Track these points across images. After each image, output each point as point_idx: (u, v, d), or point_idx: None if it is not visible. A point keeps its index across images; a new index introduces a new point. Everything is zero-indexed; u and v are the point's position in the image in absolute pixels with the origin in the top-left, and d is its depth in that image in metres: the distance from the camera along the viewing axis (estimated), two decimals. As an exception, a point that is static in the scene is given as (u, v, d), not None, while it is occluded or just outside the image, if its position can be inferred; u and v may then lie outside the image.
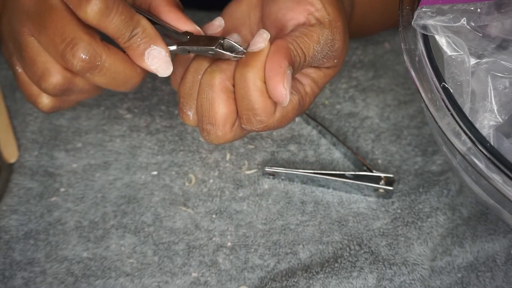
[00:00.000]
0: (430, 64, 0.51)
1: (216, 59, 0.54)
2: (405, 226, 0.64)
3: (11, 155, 0.68)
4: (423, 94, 0.50)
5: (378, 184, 0.65)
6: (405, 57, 0.52)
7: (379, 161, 0.68)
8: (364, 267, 0.61)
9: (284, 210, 0.65)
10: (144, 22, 0.51)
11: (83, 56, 0.49)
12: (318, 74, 0.56)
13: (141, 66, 0.51)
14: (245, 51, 0.52)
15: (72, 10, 0.49)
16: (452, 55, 0.52)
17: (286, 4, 0.55)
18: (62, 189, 0.66)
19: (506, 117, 0.52)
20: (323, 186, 0.66)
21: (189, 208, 0.65)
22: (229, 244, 0.63)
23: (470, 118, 0.49)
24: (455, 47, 0.52)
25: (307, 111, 0.70)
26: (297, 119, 0.71)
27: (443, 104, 0.49)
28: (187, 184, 0.67)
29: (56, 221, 0.64)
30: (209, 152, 0.68)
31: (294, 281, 0.61)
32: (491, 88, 0.53)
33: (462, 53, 0.52)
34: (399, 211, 0.65)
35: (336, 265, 0.61)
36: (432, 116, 0.49)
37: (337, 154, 0.69)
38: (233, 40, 0.53)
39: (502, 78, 0.53)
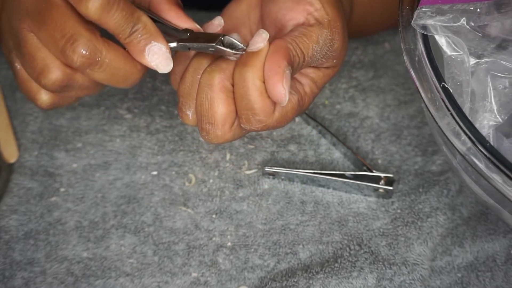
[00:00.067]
0: (430, 64, 0.51)
1: (216, 59, 0.54)
2: (405, 226, 0.64)
3: (11, 155, 0.68)
4: (423, 94, 0.50)
5: (378, 184, 0.65)
6: (405, 57, 0.52)
7: (379, 161, 0.68)
8: (364, 267, 0.61)
9: (284, 210, 0.65)
10: (145, 18, 0.51)
11: (83, 52, 0.49)
12: (317, 74, 0.56)
13: (141, 62, 0.51)
14: (245, 48, 0.52)
15: (72, 6, 0.49)
16: (452, 55, 0.52)
17: (286, 4, 0.55)
18: (62, 189, 0.66)
19: (506, 117, 0.52)
20: (323, 186, 0.66)
21: (189, 208, 0.65)
22: (229, 244, 0.63)
23: (470, 118, 0.49)
24: (454, 47, 0.52)
25: (307, 111, 0.70)
26: (297, 119, 0.71)
27: (443, 104, 0.49)
28: (187, 184, 0.67)
29: (56, 221, 0.64)
30: (209, 152, 0.68)
31: (294, 281, 0.61)
32: (491, 88, 0.52)
33: (461, 53, 0.52)
34: (399, 211, 0.65)
35: (336, 265, 0.61)
36: (432, 116, 0.49)
37: (337, 154, 0.69)
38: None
39: (502, 78, 0.53)
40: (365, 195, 0.66)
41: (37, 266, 0.62)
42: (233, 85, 0.52)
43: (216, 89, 0.52)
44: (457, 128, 0.48)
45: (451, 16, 0.51)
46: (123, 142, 0.69)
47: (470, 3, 0.51)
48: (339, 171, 0.67)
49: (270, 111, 0.52)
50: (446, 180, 0.66)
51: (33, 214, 0.65)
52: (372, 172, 0.66)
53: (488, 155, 0.47)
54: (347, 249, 0.63)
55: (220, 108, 0.52)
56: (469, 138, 0.48)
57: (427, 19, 0.51)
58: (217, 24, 0.55)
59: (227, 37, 0.52)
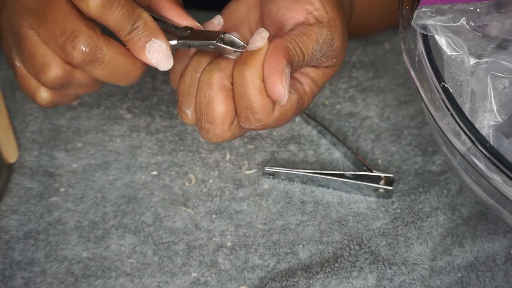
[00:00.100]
0: (430, 64, 0.51)
1: (215, 57, 0.54)
2: (405, 226, 0.64)
3: (11, 155, 0.68)
4: (423, 94, 0.50)
5: (378, 184, 0.65)
6: (405, 57, 0.52)
7: (379, 161, 0.68)
8: (364, 267, 0.61)
9: (284, 210, 0.65)
10: (145, 16, 0.51)
11: (84, 49, 0.49)
12: (317, 74, 0.56)
13: (142, 59, 0.51)
14: (245, 45, 0.52)
15: (72, 3, 0.49)
16: (452, 55, 0.52)
17: (285, 4, 0.55)
18: (62, 189, 0.66)
19: (506, 117, 0.52)
20: (323, 186, 0.66)
21: (189, 208, 0.65)
22: (229, 244, 0.63)
23: (469, 118, 0.49)
24: (454, 47, 0.52)
25: (307, 111, 0.70)
26: (297, 119, 0.71)
27: (443, 104, 0.49)
28: (187, 184, 0.67)
29: (56, 221, 0.64)
30: (209, 152, 0.68)
31: (294, 281, 0.61)
32: (491, 88, 0.52)
33: (461, 53, 0.52)
34: (399, 211, 0.65)
35: (336, 265, 0.61)
36: (432, 116, 0.49)
37: (337, 154, 0.69)
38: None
39: (502, 78, 0.53)
40: (365, 195, 0.66)
41: (37, 266, 0.62)
42: (232, 84, 0.52)
43: (216, 88, 0.52)
44: (457, 128, 0.48)
45: (451, 16, 0.51)
46: (123, 142, 0.69)
47: (470, 3, 0.51)
48: (339, 171, 0.67)
49: (269, 110, 0.52)
50: (446, 180, 0.66)
51: (33, 214, 0.65)
52: (372, 172, 0.66)
53: (488, 155, 0.47)
54: (347, 249, 0.63)
55: (219, 107, 0.52)
56: (469, 138, 0.48)
57: (427, 19, 0.51)
58: (216, 23, 0.55)
59: (227, 34, 0.52)
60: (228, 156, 0.68)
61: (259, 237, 0.64)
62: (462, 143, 0.48)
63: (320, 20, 0.54)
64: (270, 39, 0.52)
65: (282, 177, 0.67)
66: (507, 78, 0.53)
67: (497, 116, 0.52)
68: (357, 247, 0.63)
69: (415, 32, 0.52)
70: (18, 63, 0.54)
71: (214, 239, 0.63)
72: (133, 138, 0.69)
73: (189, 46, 0.53)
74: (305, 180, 0.66)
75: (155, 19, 0.52)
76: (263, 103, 0.51)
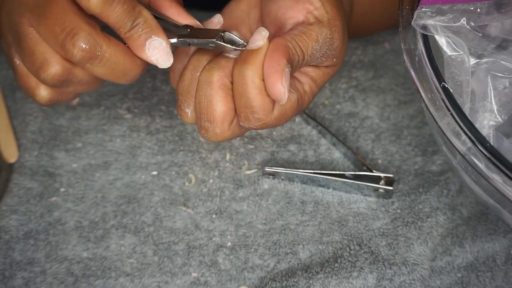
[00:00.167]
0: (430, 64, 0.51)
1: (215, 56, 0.54)
2: (405, 226, 0.64)
3: (11, 155, 0.68)
4: (423, 94, 0.50)
5: (378, 184, 0.65)
6: (405, 57, 0.52)
7: (379, 161, 0.68)
8: (364, 267, 0.61)
9: (284, 210, 0.65)
10: (146, 13, 0.51)
11: (84, 46, 0.49)
12: (317, 73, 0.56)
13: (142, 57, 0.51)
14: (246, 44, 0.52)
15: (72, 0, 0.49)
16: (452, 55, 0.52)
17: (286, 3, 0.55)
18: (62, 189, 0.66)
19: (506, 117, 0.52)
20: (323, 186, 0.66)
21: (189, 208, 0.65)
22: (229, 244, 0.63)
23: (470, 118, 0.49)
24: (455, 47, 0.52)
25: (307, 111, 0.70)
26: (297, 119, 0.71)
27: (443, 104, 0.49)
28: (187, 184, 0.67)
29: (56, 221, 0.64)
30: (209, 152, 0.68)
31: (294, 281, 0.61)
32: (491, 88, 0.52)
33: (462, 53, 0.52)
34: (399, 211, 0.65)
35: (336, 265, 0.61)
36: (432, 116, 0.49)
37: (337, 154, 0.69)
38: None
39: (502, 78, 0.53)
40: (365, 195, 0.66)
41: (37, 266, 0.62)
42: (232, 83, 0.52)
43: (215, 87, 0.52)
44: (457, 128, 0.48)
45: (451, 16, 0.51)
46: (123, 142, 0.69)
47: (470, 3, 0.51)
48: (339, 171, 0.67)
49: (269, 109, 0.52)
50: (446, 180, 0.66)
51: (33, 214, 0.65)
52: (372, 172, 0.66)
53: (488, 155, 0.47)
54: (347, 249, 0.63)
55: (219, 105, 0.52)
56: (469, 138, 0.48)
57: (427, 19, 0.51)
58: (216, 22, 0.55)
59: (227, 33, 0.52)
60: (228, 156, 0.68)
61: (259, 237, 0.64)
62: (462, 143, 0.48)
63: (320, 20, 0.54)
64: (270, 39, 0.52)
65: (282, 177, 0.67)
66: (507, 78, 0.53)
67: (497, 116, 0.52)
68: (357, 247, 0.63)
69: (415, 32, 0.52)
70: (17, 61, 0.54)
71: (214, 239, 0.63)
72: (133, 138, 0.69)
73: (189, 44, 0.53)
74: (305, 180, 0.66)
75: (155, 17, 0.52)
76: (263, 102, 0.51)
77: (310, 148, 0.69)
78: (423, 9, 0.51)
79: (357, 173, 0.65)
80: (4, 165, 0.67)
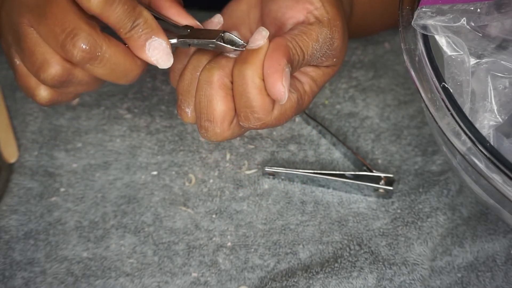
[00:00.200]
0: (430, 64, 0.51)
1: (215, 56, 0.54)
2: (405, 226, 0.64)
3: (11, 155, 0.68)
4: (423, 94, 0.50)
5: (378, 184, 0.65)
6: (405, 57, 0.52)
7: (379, 161, 0.68)
8: (364, 267, 0.61)
9: (284, 210, 0.65)
10: (146, 13, 0.51)
11: (84, 46, 0.49)
12: (317, 73, 0.56)
13: (142, 57, 0.51)
14: (245, 44, 0.52)
15: (72, 0, 0.49)
16: (452, 55, 0.52)
17: (286, 3, 0.55)
18: (62, 189, 0.66)
19: (506, 117, 0.52)
20: (323, 186, 0.66)
21: (189, 208, 0.65)
22: (229, 244, 0.63)
23: (470, 118, 0.49)
24: (455, 47, 0.52)
25: (307, 111, 0.70)
26: (297, 119, 0.71)
27: (443, 104, 0.49)
28: (187, 184, 0.67)
29: (56, 221, 0.64)
30: (209, 152, 0.68)
31: (294, 281, 0.61)
32: (491, 88, 0.52)
33: (462, 53, 0.52)
34: (399, 211, 0.65)
35: (336, 265, 0.61)
36: (432, 116, 0.49)
37: (337, 154, 0.69)
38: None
39: (502, 78, 0.53)
40: (365, 195, 0.66)
41: (37, 266, 0.62)
42: (232, 83, 0.52)
43: (215, 86, 0.52)
44: (457, 128, 0.48)
45: (451, 16, 0.51)
46: (123, 142, 0.69)
47: (470, 3, 0.51)
48: (339, 171, 0.67)
49: (269, 109, 0.52)
50: (446, 180, 0.66)
51: (33, 214, 0.65)
52: (372, 172, 0.66)
53: (488, 155, 0.47)
54: (347, 249, 0.63)
55: (219, 105, 0.52)
56: (469, 138, 0.48)
57: (427, 19, 0.51)
58: (216, 22, 0.55)
59: (227, 33, 0.52)
60: (228, 156, 0.68)
61: (259, 237, 0.64)
62: (462, 143, 0.48)
63: (320, 20, 0.54)
64: (270, 39, 0.52)
65: (282, 177, 0.67)
66: (507, 78, 0.53)
67: (497, 116, 0.52)
68: (357, 247, 0.63)
69: (415, 32, 0.52)
70: (17, 61, 0.54)
71: (214, 239, 0.63)
72: (133, 138, 0.69)
73: (189, 45, 0.53)
74: (305, 180, 0.66)
75: (155, 18, 0.52)
76: (263, 102, 0.51)
77: (310, 148, 0.69)
78: (423, 9, 0.51)
79: (357, 173, 0.65)
80: (4, 165, 0.67)
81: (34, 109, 0.70)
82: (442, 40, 0.52)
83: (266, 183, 0.67)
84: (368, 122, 0.70)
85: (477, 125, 0.51)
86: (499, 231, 0.63)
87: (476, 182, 0.51)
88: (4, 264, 0.62)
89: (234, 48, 0.52)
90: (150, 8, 0.54)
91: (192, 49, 0.55)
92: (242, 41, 0.52)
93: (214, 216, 0.65)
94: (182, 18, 0.54)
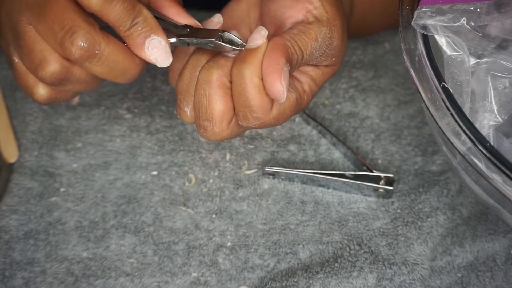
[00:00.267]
0: (430, 64, 0.51)
1: (214, 55, 0.54)
2: (405, 226, 0.64)
3: (11, 155, 0.68)
4: (423, 94, 0.50)
5: (378, 184, 0.65)
6: (405, 57, 0.52)
7: (379, 161, 0.68)
8: (364, 267, 0.61)
9: (284, 210, 0.65)
10: (146, 12, 0.51)
11: (82, 44, 0.49)
12: (317, 72, 0.56)
13: (141, 56, 0.51)
14: (245, 44, 0.52)
15: None
16: (452, 55, 0.52)
17: (285, 3, 0.55)
18: (62, 189, 0.66)
19: (506, 117, 0.52)
20: (323, 186, 0.66)
21: (189, 208, 0.65)
22: (229, 244, 0.63)
23: (470, 118, 0.49)
24: (455, 47, 0.52)
25: (307, 111, 0.70)
26: (297, 119, 0.71)
27: (443, 104, 0.49)
28: (187, 184, 0.67)
29: (56, 221, 0.64)
30: (209, 152, 0.68)
31: (294, 281, 0.61)
32: (491, 88, 0.52)
33: (462, 53, 0.52)
34: (399, 211, 0.65)
35: (336, 265, 0.61)
36: (432, 116, 0.49)
37: (337, 154, 0.69)
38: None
39: (502, 78, 0.53)
40: (365, 195, 0.66)
41: (37, 266, 0.62)
42: (231, 82, 0.52)
43: (214, 86, 0.52)
44: (457, 128, 0.48)
45: (451, 16, 0.51)
46: (123, 142, 0.69)
47: (470, 3, 0.51)
48: (339, 171, 0.67)
49: (267, 108, 0.52)
50: (446, 180, 0.66)
51: (33, 214, 0.65)
52: (372, 172, 0.66)
53: (488, 155, 0.47)
54: (347, 249, 0.63)
55: (218, 105, 0.52)
56: (469, 138, 0.48)
57: (427, 19, 0.51)
58: (216, 21, 0.55)
59: (226, 33, 0.52)
60: (228, 156, 0.68)
61: (259, 237, 0.64)
62: (462, 143, 0.48)
63: (319, 19, 0.54)
64: (270, 38, 0.52)
65: (282, 177, 0.67)
66: (507, 78, 0.53)
67: (497, 116, 0.52)
68: (357, 247, 0.63)
69: (415, 32, 0.52)
70: (16, 59, 0.54)
71: (214, 239, 0.63)
72: (133, 138, 0.69)
73: (188, 44, 0.53)
74: (305, 180, 0.66)
75: (155, 17, 0.52)
76: (262, 101, 0.51)
77: (310, 148, 0.69)
78: (423, 9, 0.51)
79: (357, 173, 0.65)
80: (4, 165, 0.67)
81: (34, 109, 0.70)
82: (442, 40, 0.52)
83: (266, 183, 0.67)
84: (368, 122, 0.70)
85: (477, 125, 0.51)
86: (499, 231, 0.63)
87: (476, 182, 0.51)
88: (4, 264, 0.62)
89: (233, 47, 0.52)
90: (150, 7, 0.54)
91: (192, 48, 0.55)
92: (241, 41, 0.52)
93: (214, 216, 0.65)
94: (182, 17, 0.54)
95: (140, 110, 0.71)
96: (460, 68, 0.52)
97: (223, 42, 0.52)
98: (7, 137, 0.69)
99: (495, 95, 0.52)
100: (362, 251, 0.62)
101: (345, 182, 0.65)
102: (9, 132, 0.69)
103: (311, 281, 0.60)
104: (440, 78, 0.50)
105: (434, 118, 0.49)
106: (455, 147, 0.48)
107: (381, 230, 0.64)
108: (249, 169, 0.68)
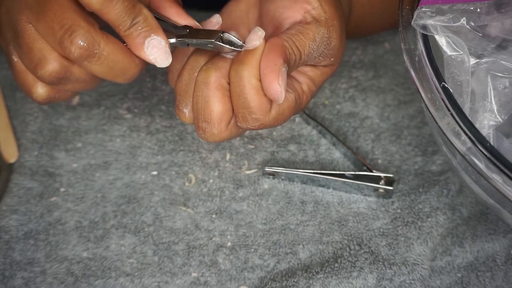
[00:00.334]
0: (430, 64, 0.51)
1: (213, 57, 0.54)
2: (405, 226, 0.64)
3: (11, 155, 0.68)
4: (423, 94, 0.50)
5: (378, 184, 0.65)
6: (405, 57, 0.52)
7: (379, 161, 0.68)
8: (364, 267, 0.61)
9: (284, 210, 0.65)
10: (146, 12, 0.51)
11: (81, 43, 0.49)
12: (315, 73, 0.56)
13: (140, 56, 0.51)
14: (244, 44, 0.52)
15: None
16: (452, 55, 0.52)
17: (284, 3, 0.55)
18: (62, 189, 0.66)
19: (506, 117, 0.52)
20: (323, 186, 0.66)
21: (189, 208, 0.65)
22: (229, 244, 0.63)
23: (470, 118, 0.49)
24: (455, 47, 0.52)
25: (306, 111, 0.70)
26: (297, 119, 0.71)
27: (443, 104, 0.49)
28: (187, 184, 0.67)
29: (56, 221, 0.64)
30: (209, 152, 0.68)
31: (294, 281, 0.61)
32: (491, 88, 0.52)
33: (462, 53, 0.52)
34: (399, 211, 0.65)
35: (336, 265, 0.61)
36: (432, 116, 0.49)
37: (337, 154, 0.69)
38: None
39: (502, 78, 0.53)
40: (365, 195, 0.66)
41: (37, 266, 0.62)
42: (229, 84, 0.52)
43: (212, 87, 0.52)
44: (457, 128, 0.48)
45: (451, 16, 0.51)
46: (123, 142, 0.69)
47: (470, 3, 0.51)
48: (339, 171, 0.67)
49: (266, 109, 0.52)
50: (446, 180, 0.66)
51: (33, 214, 0.65)
52: (372, 172, 0.65)
53: (488, 155, 0.47)
54: (347, 249, 0.63)
55: (216, 106, 0.52)
56: (469, 138, 0.48)
57: (427, 19, 0.51)
58: (215, 22, 0.55)
59: (226, 34, 0.52)
60: (228, 156, 0.68)
61: (259, 237, 0.64)
62: (462, 143, 0.48)
63: (317, 19, 0.54)
64: (268, 39, 0.52)
65: (282, 177, 0.67)
66: (507, 78, 0.53)
67: (497, 116, 0.52)
68: (357, 247, 0.63)
69: (415, 32, 0.52)
70: (15, 58, 0.54)
71: (214, 239, 0.63)
72: (133, 138, 0.69)
73: (188, 45, 0.53)
74: (305, 180, 0.66)
75: (155, 17, 0.52)
76: (260, 102, 0.51)
77: (310, 148, 0.69)
78: (423, 9, 0.51)
79: (357, 173, 0.65)
80: (4, 165, 0.67)
81: (34, 109, 0.70)
82: (442, 40, 0.52)
83: (266, 183, 0.67)
84: (368, 122, 0.70)
85: (477, 125, 0.51)
86: (499, 231, 0.63)
87: (476, 182, 0.51)
88: (4, 264, 0.62)
89: (232, 48, 0.52)
90: (150, 8, 0.54)
91: (191, 49, 0.55)
92: (241, 42, 0.52)
93: (214, 216, 0.65)
94: (181, 18, 0.54)
95: (140, 110, 0.71)
96: (460, 68, 0.52)
97: (222, 43, 0.52)
98: (7, 137, 0.69)
99: (495, 95, 0.52)
100: (362, 251, 0.62)
101: (345, 182, 0.65)
102: (9, 132, 0.69)
103: (311, 281, 0.60)
104: (440, 78, 0.50)
105: (434, 118, 0.49)
106: (455, 147, 0.48)
107: (381, 230, 0.64)
108: (249, 169, 0.68)
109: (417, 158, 0.68)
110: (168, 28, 0.53)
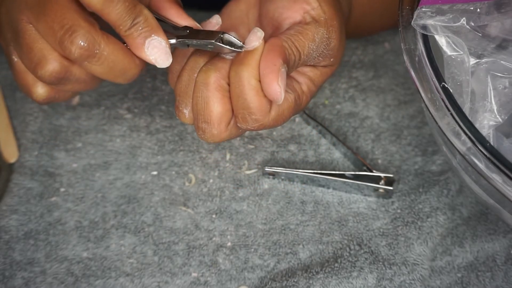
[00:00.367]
0: (430, 64, 0.51)
1: (212, 57, 0.54)
2: (405, 226, 0.64)
3: (11, 155, 0.68)
4: (423, 94, 0.50)
5: (378, 184, 0.65)
6: (405, 57, 0.52)
7: (379, 161, 0.68)
8: (364, 267, 0.61)
9: (284, 210, 0.65)
10: (146, 12, 0.50)
11: (82, 44, 0.49)
12: (315, 73, 0.56)
13: (140, 56, 0.51)
14: (244, 45, 0.52)
15: None
16: (452, 55, 0.52)
17: (283, 3, 0.55)
18: (62, 189, 0.66)
19: (506, 117, 0.52)
20: (323, 186, 0.66)
21: (189, 208, 0.65)
22: (229, 244, 0.63)
23: (470, 118, 0.49)
24: (454, 47, 0.52)
25: (306, 111, 0.70)
26: (297, 119, 0.71)
27: (443, 104, 0.49)
28: (187, 184, 0.67)
29: (56, 221, 0.64)
30: (209, 152, 0.68)
31: (294, 281, 0.61)
32: (491, 88, 0.52)
33: (462, 53, 0.52)
34: (399, 211, 0.65)
35: (336, 265, 0.61)
36: (432, 116, 0.49)
37: (337, 154, 0.69)
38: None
39: (502, 78, 0.53)
40: (365, 195, 0.66)
41: (37, 266, 0.62)
42: (229, 84, 0.52)
43: (212, 88, 0.52)
44: (457, 128, 0.48)
45: (451, 16, 0.51)
46: (123, 142, 0.69)
47: (470, 3, 0.51)
48: (339, 171, 0.67)
49: (266, 110, 0.52)
50: (446, 180, 0.66)
51: (33, 214, 0.65)
52: (372, 172, 0.65)
53: (488, 155, 0.47)
54: (347, 249, 0.63)
55: (216, 107, 0.52)
56: (469, 138, 0.48)
57: (427, 19, 0.51)
58: (214, 22, 0.55)
59: (226, 34, 0.52)
60: (228, 156, 0.68)
61: (259, 237, 0.64)
62: (462, 143, 0.48)
63: (317, 19, 0.54)
64: (268, 39, 0.52)
65: (282, 177, 0.67)
66: (507, 78, 0.53)
67: (497, 116, 0.52)
68: (357, 247, 0.63)
69: (415, 32, 0.52)
70: (15, 58, 0.54)
71: (214, 239, 0.63)
72: (133, 138, 0.69)
73: (188, 45, 0.53)
74: (305, 180, 0.66)
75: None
76: (260, 103, 0.51)
77: (310, 148, 0.69)
78: (423, 9, 0.51)
79: (357, 173, 0.65)
80: (4, 165, 0.67)
81: (34, 109, 0.70)
82: (442, 40, 0.52)
83: (266, 183, 0.67)
84: (368, 122, 0.70)
85: (477, 125, 0.51)
86: (499, 231, 0.63)
87: (476, 182, 0.51)
88: (4, 264, 0.62)
89: (232, 49, 0.52)
90: (150, 8, 0.54)
91: (190, 50, 0.55)
92: (241, 43, 0.52)
93: (214, 216, 0.65)
94: (182, 19, 0.54)
95: (140, 110, 0.71)
96: (460, 68, 0.52)
97: (222, 43, 0.52)
98: (7, 137, 0.69)
99: (495, 95, 0.52)
100: (362, 251, 0.62)
101: (345, 182, 0.65)
102: (9, 132, 0.69)
103: (311, 281, 0.60)
104: (440, 78, 0.50)
105: (434, 118, 0.49)
106: (455, 147, 0.48)
107: (381, 230, 0.64)
108: (249, 169, 0.68)
109: (417, 158, 0.68)
110: (168, 29, 0.53)
